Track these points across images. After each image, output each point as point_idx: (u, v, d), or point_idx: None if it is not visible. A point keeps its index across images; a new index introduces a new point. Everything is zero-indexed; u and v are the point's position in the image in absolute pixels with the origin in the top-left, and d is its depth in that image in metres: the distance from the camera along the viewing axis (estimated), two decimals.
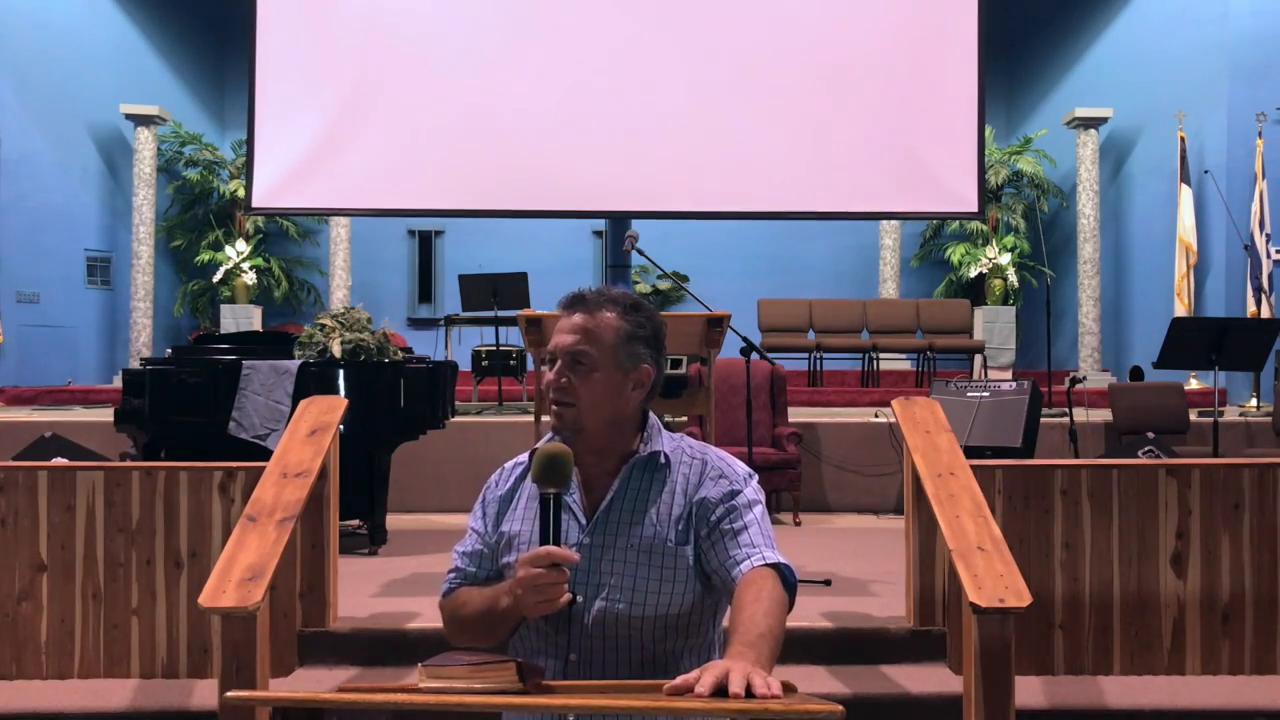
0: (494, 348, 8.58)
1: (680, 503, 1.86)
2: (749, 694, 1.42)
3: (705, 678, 1.45)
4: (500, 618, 1.81)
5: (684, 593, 1.83)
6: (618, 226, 7.81)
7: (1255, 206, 9.77)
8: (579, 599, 1.77)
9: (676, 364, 4.50)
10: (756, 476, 1.94)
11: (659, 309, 10.81)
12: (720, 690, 1.44)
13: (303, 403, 3.87)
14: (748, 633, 1.65)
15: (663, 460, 1.89)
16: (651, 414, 1.95)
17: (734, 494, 1.87)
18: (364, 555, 5.25)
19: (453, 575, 1.98)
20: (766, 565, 1.79)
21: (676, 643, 1.84)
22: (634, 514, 1.85)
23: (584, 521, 1.87)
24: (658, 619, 1.81)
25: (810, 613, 3.95)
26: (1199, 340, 6.15)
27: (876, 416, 7.20)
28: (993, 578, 2.89)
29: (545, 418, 4.49)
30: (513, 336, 8.17)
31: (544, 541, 1.71)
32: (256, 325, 11.49)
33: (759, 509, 1.87)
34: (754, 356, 4.58)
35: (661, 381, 1.94)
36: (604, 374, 1.85)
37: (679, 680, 1.47)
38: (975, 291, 11.88)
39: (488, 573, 1.95)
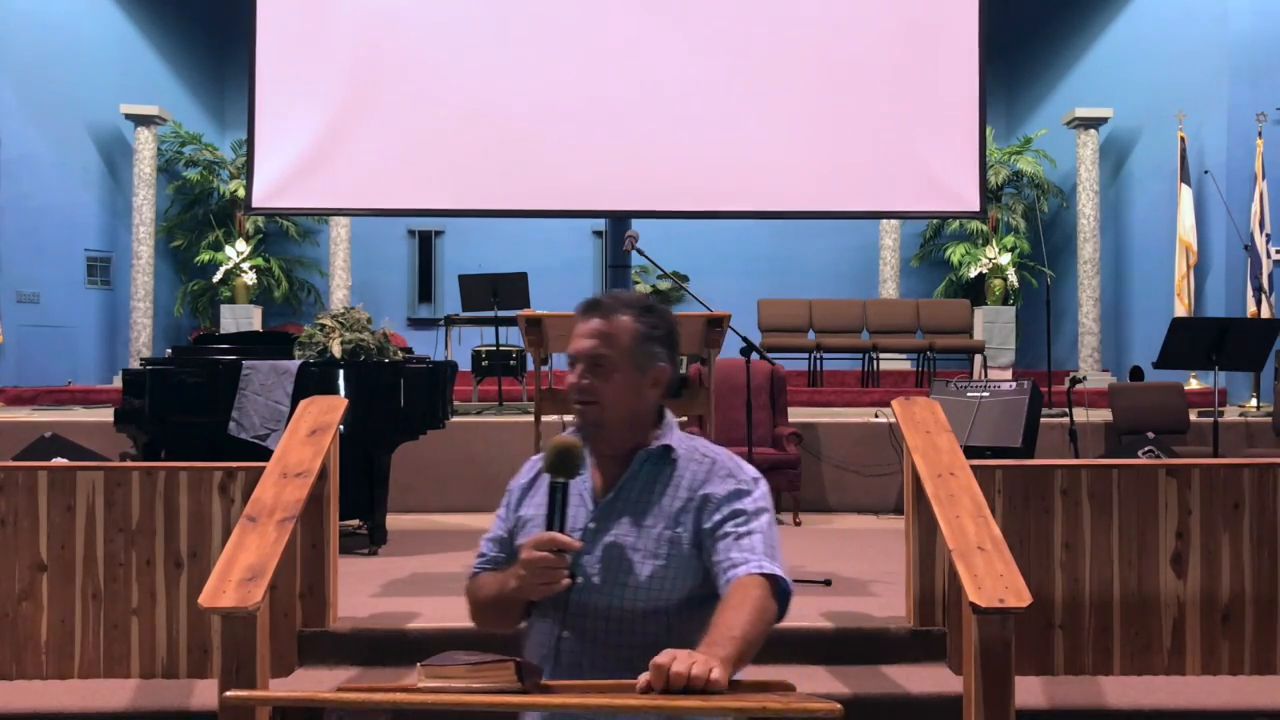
0: (494, 348, 8.58)
1: (684, 495, 1.91)
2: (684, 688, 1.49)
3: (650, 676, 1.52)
4: (509, 600, 1.89)
5: (676, 583, 1.88)
6: (618, 226, 7.81)
7: (1255, 206, 9.77)
8: (578, 580, 1.84)
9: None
10: (765, 482, 1.97)
11: None
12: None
13: (303, 403, 3.87)
14: (717, 633, 1.69)
15: (672, 454, 1.95)
16: (668, 411, 2.01)
17: (740, 494, 1.90)
18: (364, 555, 5.25)
19: (479, 560, 2.07)
20: (763, 574, 1.81)
21: (667, 631, 1.87)
22: (638, 503, 1.92)
23: (592, 507, 1.93)
24: (649, 604, 1.86)
25: (810, 613, 3.95)
26: (1199, 340, 6.14)
27: (876, 416, 7.20)
28: (993, 578, 2.89)
29: (546, 418, 4.50)
30: (513, 336, 8.16)
31: (549, 527, 1.81)
32: (256, 325, 11.48)
33: (766, 517, 1.90)
34: (754, 356, 4.57)
35: (678, 378, 1.99)
36: (622, 374, 1.92)
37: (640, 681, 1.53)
38: (975, 291, 11.88)
39: (509, 557, 2.01)
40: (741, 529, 1.86)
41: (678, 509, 1.90)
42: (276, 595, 3.55)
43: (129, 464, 4.09)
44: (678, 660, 1.50)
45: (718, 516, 1.88)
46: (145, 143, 11.68)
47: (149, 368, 5.38)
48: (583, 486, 1.95)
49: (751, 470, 1.96)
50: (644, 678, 1.52)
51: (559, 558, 1.78)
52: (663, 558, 1.87)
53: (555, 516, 1.82)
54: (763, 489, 1.94)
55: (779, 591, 1.83)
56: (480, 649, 1.65)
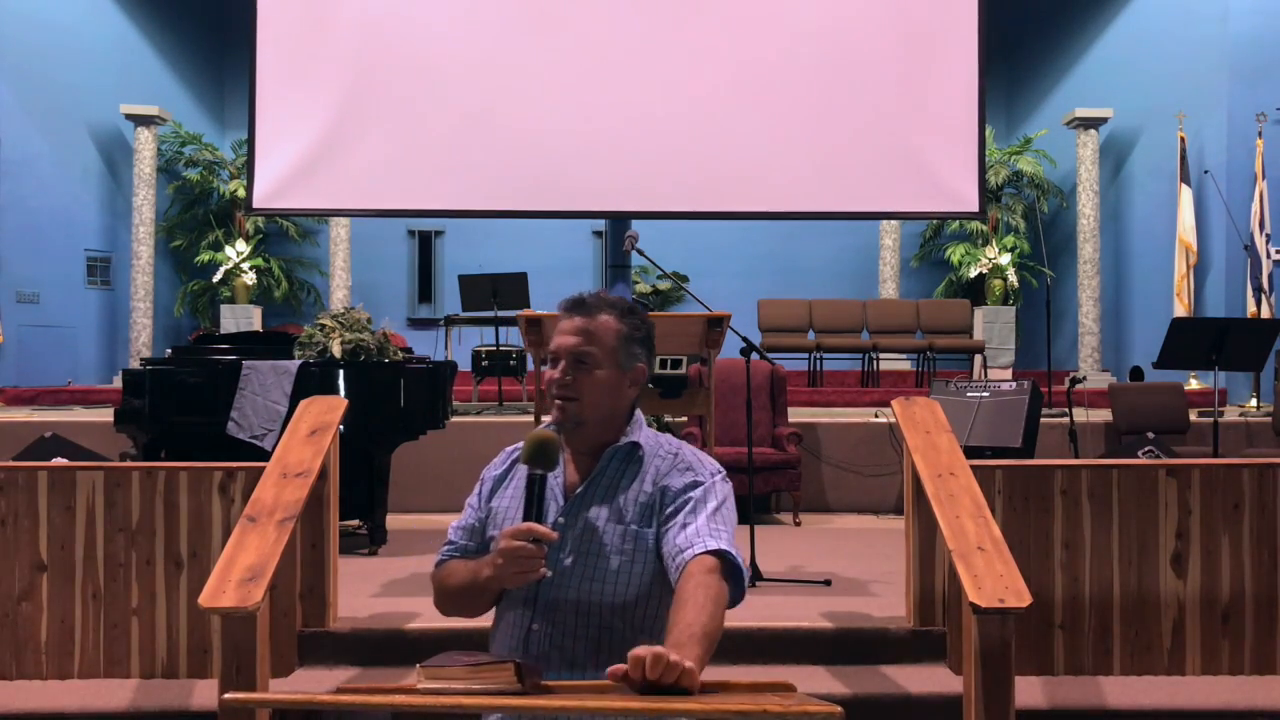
0: (494, 348, 8.58)
1: (649, 490, 1.96)
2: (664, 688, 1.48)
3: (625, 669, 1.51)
4: (481, 588, 1.92)
5: (640, 576, 1.92)
6: (618, 226, 7.81)
7: (1255, 206, 9.77)
8: (549, 573, 1.87)
9: (676, 364, 4.50)
10: (724, 473, 2.01)
11: (659, 309, 10.78)
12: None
13: (303, 403, 3.87)
14: (680, 634, 1.71)
15: (639, 450, 2.00)
16: (638, 409, 2.06)
17: (694, 485, 1.95)
18: (364, 555, 5.25)
19: (446, 548, 2.10)
20: (708, 553, 1.84)
21: (631, 622, 1.92)
22: (605, 498, 1.96)
23: (562, 502, 1.98)
24: (615, 597, 1.91)
25: (810, 613, 3.95)
26: (1199, 340, 6.14)
27: (876, 416, 7.20)
28: (993, 578, 2.89)
29: (545, 417, 4.50)
30: (513, 336, 8.17)
31: (527, 518, 1.84)
32: (256, 325, 11.48)
33: (714, 502, 1.93)
34: (754, 356, 4.58)
35: (649, 379, 2.07)
36: (605, 372, 1.97)
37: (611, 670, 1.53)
38: (975, 291, 11.88)
39: (478, 546, 2.06)
40: (688, 515, 1.90)
41: (643, 503, 1.95)
42: (276, 595, 3.55)
43: (129, 464, 4.09)
44: (655, 653, 1.50)
45: (670, 508, 1.93)
46: (145, 143, 11.68)
47: (149, 368, 5.38)
48: (555, 481, 1.98)
49: (713, 464, 2.01)
50: (617, 667, 1.52)
51: (537, 548, 1.81)
52: (629, 552, 1.92)
53: (533, 508, 1.85)
54: (718, 480, 1.97)
55: (729, 570, 1.85)
56: (481, 649, 1.65)
